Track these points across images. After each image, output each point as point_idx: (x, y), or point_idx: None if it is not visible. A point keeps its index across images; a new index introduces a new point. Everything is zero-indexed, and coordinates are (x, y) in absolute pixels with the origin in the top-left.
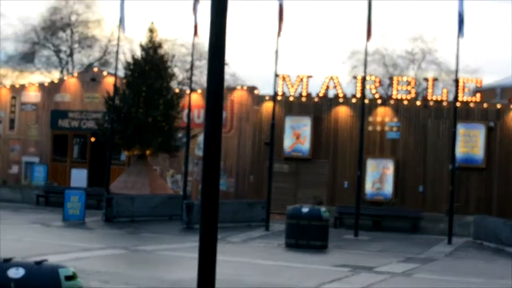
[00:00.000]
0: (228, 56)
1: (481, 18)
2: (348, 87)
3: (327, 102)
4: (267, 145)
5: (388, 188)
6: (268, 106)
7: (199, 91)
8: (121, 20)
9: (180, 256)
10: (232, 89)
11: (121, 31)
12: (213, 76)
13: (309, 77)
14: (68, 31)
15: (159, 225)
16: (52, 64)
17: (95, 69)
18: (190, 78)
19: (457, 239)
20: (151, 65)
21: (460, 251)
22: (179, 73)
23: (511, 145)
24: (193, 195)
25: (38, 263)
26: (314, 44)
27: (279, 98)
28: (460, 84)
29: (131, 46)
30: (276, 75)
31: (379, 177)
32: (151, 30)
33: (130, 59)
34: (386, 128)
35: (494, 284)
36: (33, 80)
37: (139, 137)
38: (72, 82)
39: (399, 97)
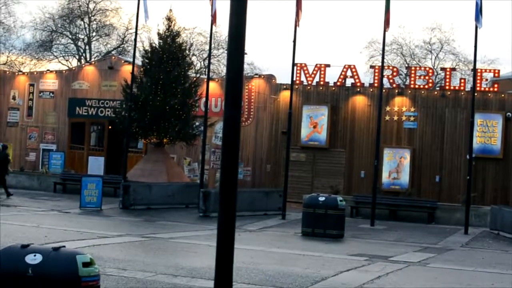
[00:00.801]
0: (247, 45)
1: (500, 7)
2: (365, 76)
3: (344, 91)
4: (284, 134)
5: (404, 177)
6: (285, 95)
7: (217, 79)
8: (144, 8)
9: (196, 244)
10: (250, 78)
11: (142, 19)
12: (233, 63)
13: (326, 66)
14: (86, 20)
15: (175, 213)
16: (69, 52)
17: (113, 58)
18: (207, 67)
19: (473, 229)
20: (169, 54)
21: (476, 241)
22: (197, 62)
23: None
24: (210, 183)
25: (56, 249)
26: (332, 34)
27: (296, 87)
28: (478, 74)
29: (149, 35)
30: (294, 64)
31: (396, 166)
32: (169, 19)
33: (148, 48)
34: (403, 118)
35: (510, 275)
36: (51, 68)
37: (156, 125)
38: (89, 70)
39: (416, 86)
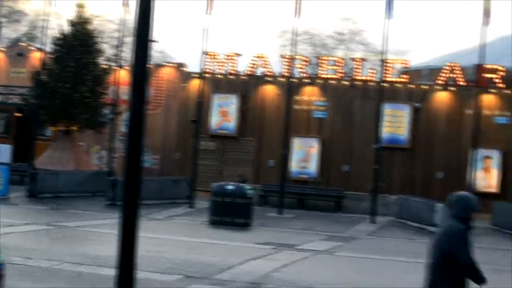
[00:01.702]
0: (158, 33)
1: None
2: (277, 66)
3: (255, 81)
4: (193, 123)
5: (313, 167)
6: (195, 83)
7: (127, 67)
8: None
9: (103, 233)
10: (160, 65)
11: (50, 5)
12: (138, 50)
13: (237, 55)
14: None
15: (83, 201)
16: None
17: (22, 44)
18: (118, 55)
19: (380, 218)
20: (79, 41)
21: (383, 230)
22: (108, 50)
23: (435, 126)
24: (118, 171)
25: None
26: (245, 23)
27: (206, 75)
28: (387, 64)
29: (59, 21)
30: (204, 53)
31: (305, 156)
32: (80, 6)
33: (58, 34)
34: (313, 107)
35: (415, 263)
36: None
37: (65, 112)
38: None
39: (326, 76)
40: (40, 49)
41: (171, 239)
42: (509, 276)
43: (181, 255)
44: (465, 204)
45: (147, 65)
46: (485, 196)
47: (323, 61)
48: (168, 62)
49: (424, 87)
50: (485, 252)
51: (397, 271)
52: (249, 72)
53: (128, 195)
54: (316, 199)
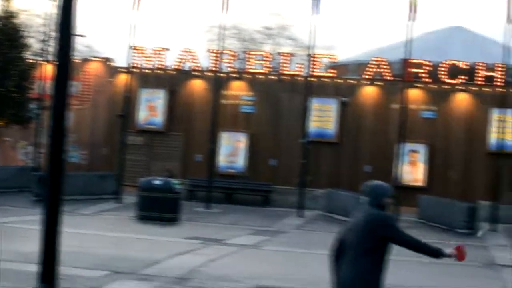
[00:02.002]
0: (85, 28)
1: None
2: (205, 61)
3: (182, 75)
4: (120, 118)
5: (240, 161)
6: (123, 78)
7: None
8: None
9: (29, 229)
10: (87, 60)
11: None
12: (62, 46)
13: (165, 50)
14: None
15: (9, 197)
16: None
17: None
18: (45, 49)
19: (308, 212)
20: (5, 35)
21: (310, 224)
22: (35, 44)
23: (362, 120)
24: (44, 167)
25: None
26: (173, 17)
27: (134, 70)
28: (315, 59)
29: None
30: (132, 48)
31: (232, 150)
32: (6, 0)
33: None
34: (241, 102)
35: None
36: None
37: None
38: None
39: (254, 71)
40: None
41: (98, 234)
42: (435, 268)
43: (108, 251)
44: (379, 192)
45: (70, 59)
46: (411, 190)
47: (251, 56)
48: (95, 57)
49: (351, 81)
50: None
51: (323, 264)
52: (177, 67)
53: (51, 190)
54: (244, 194)
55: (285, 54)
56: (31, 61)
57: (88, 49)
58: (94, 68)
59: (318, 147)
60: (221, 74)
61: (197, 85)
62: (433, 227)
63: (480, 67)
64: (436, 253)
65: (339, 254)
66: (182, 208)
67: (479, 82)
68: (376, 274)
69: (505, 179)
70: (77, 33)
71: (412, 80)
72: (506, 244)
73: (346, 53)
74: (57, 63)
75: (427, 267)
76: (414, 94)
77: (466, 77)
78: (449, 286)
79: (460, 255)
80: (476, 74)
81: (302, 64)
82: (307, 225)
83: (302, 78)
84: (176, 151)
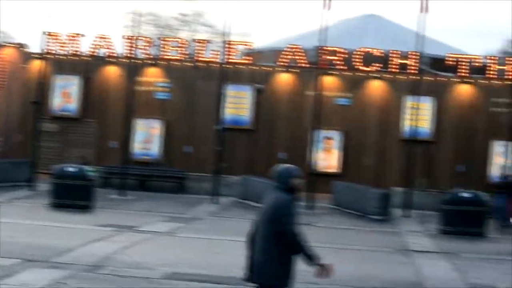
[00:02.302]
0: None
1: None
2: (120, 47)
3: (97, 62)
4: (34, 104)
5: (155, 148)
6: (37, 64)
7: None
8: None
9: None
10: (0, 46)
11: None
12: None
13: (80, 35)
14: None
15: None
16: None
17: None
18: None
19: (223, 199)
20: None
21: (225, 211)
22: None
23: (277, 107)
24: None
25: None
26: (88, 3)
27: (48, 56)
28: (230, 46)
29: None
30: (46, 33)
31: (147, 137)
32: None
33: None
34: (156, 89)
35: None
36: None
37: None
38: None
39: (169, 58)
40: None
41: (10, 222)
42: (348, 254)
43: (21, 239)
44: (285, 174)
45: None
46: (326, 176)
47: (166, 43)
48: (9, 43)
49: (267, 68)
50: (326, 231)
51: (237, 251)
52: (91, 53)
53: None
54: (159, 181)
55: (201, 41)
56: None
57: (1, 35)
58: (7, 54)
59: (233, 134)
60: (136, 61)
61: (112, 72)
62: (347, 213)
63: (394, 55)
64: (312, 259)
65: (254, 238)
66: (96, 195)
67: (393, 70)
68: (285, 258)
69: (418, 166)
70: None
71: (327, 67)
72: (418, 230)
73: (261, 40)
74: None
75: (339, 253)
76: (329, 81)
77: (381, 65)
78: (362, 271)
79: (326, 272)
80: (390, 62)
81: (218, 51)
82: (222, 212)
83: (217, 65)
84: (91, 138)
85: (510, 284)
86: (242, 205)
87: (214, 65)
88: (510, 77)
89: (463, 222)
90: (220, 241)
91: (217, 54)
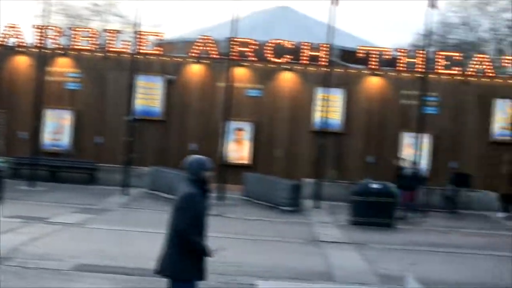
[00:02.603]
0: None
1: None
2: (30, 36)
3: (6, 51)
4: None
5: (65, 139)
6: None
7: None
8: None
9: None
10: None
11: None
12: None
13: None
14: None
15: None
16: None
17: None
18: None
19: (133, 190)
20: None
21: (136, 202)
22: None
23: (189, 99)
24: None
25: None
26: None
27: None
28: (141, 37)
29: None
30: None
31: (57, 127)
32: None
33: None
34: (66, 79)
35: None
36: None
37: None
38: None
39: (80, 48)
40: None
41: None
42: (259, 245)
43: None
44: (196, 166)
45: None
46: (237, 168)
47: (77, 32)
48: None
49: (178, 59)
50: (237, 222)
51: (147, 242)
52: (0, 43)
53: None
54: (69, 172)
55: (112, 31)
56: None
57: None
58: None
59: (144, 125)
60: (46, 51)
61: (22, 62)
62: (259, 205)
63: (305, 47)
64: (204, 253)
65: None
66: (6, 186)
67: (304, 62)
68: (185, 253)
69: (328, 157)
70: None
71: (238, 59)
72: (329, 221)
73: (173, 31)
74: None
75: (249, 244)
76: (240, 72)
77: (292, 57)
78: (272, 261)
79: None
80: (301, 54)
81: (129, 41)
82: (132, 203)
83: (128, 56)
84: (0, 128)
85: (417, 274)
86: (153, 196)
87: (125, 55)
88: (419, 70)
89: (372, 213)
90: (130, 232)
91: (128, 45)
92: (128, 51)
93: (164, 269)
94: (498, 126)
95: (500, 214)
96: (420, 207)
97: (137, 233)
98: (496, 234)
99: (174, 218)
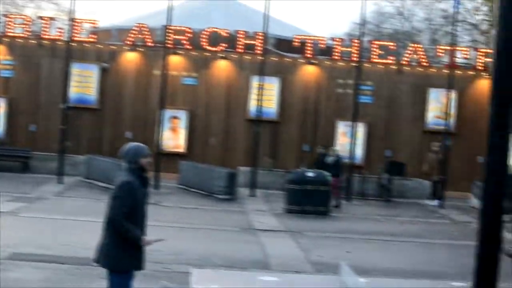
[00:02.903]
0: None
1: None
2: None
3: None
4: None
5: None
6: None
7: None
8: None
9: None
10: None
11: None
12: None
13: None
14: None
15: None
16: None
17: None
18: None
19: (68, 178)
20: None
21: (70, 190)
22: None
23: (124, 87)
24: None
25: None
26: None
27: None
28: (76, 24)
29: None
30: None
31: None
32: None
33: None
34: (0, 66)
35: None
36: None
37: None
38: None
39: (13, 35)
40: None
41: None
42: (194, 233)
43: None
44: (133, 154)
45: None
46: (172, 156)
47: (10, 19)
48: None
49: (113, 47)
50: (172, 210)
51: (82, 231)
52: None
53: None
54: (3, 160)
55: (46, 18)
56: None
57: None
58: None
59: (79, 112)
60: None
61: None
62: (194, 193)
63: (240, 35)
64: (137, 241)
65: None
66: None
67: (240, 50)
68: (121, 243)
69: (263, 145)
70: None
71: (173, 47)
72: (264, 209)
73: (108, 19)
74: None
75: (184, 232)
76: (176, 60)
77: (227, 45)
78: (207, 250)
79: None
80: (237, 42)
81: (63, 28)
82: (67, 191)
83: (62, 43)
84: None
85: (352, 262)
86: (87, 184)
87: (60, 43)
88: (354, 59)
89: (307, 201)
90: (65, 221)
91: (63, 32)
92: (63, 38)
93: (100, 259)
94: (432, 115)
95: (433, 202)
96: (344, 195)
97: (72, 222)
98: (429, 222)
99: (110, 207)
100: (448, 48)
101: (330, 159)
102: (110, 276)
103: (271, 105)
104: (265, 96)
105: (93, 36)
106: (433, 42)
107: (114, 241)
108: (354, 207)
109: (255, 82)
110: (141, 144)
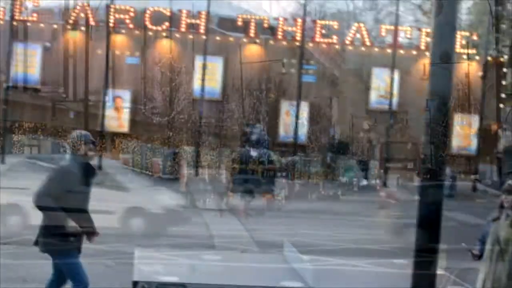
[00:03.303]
0: None
1: None
2: None
3: None
4: None
5: None
6: None
7: None
8: None
9: None
10: None
11: None
12: None
13: None
14: None
15: None
16: None
17: None
18: None
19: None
20: None
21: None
22: None
23: (67, 66)
24: None
25: None
26: None
27: None
28: (17, 2)
29: None
30: None
31: None
32: None
33: None
34: None
35: None
36: None
37: None
38: None
39: None
40: None
41: None
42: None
43: None
44: (77, 140)
45: None
46: (117, 136)
47: None
48: None
49: (55, 26)
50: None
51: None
52: None
53: None
54: None
55: None
56: None
57: None
58: None
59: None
60: None
61: None
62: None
63: (184, 14)
64: (61, 223)
65: None
66: None
67: (183, 29)
68: (57, 228)
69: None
70: None
71: (116, 26)
72: (209, 189)
73: None
74: None
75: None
76: (119, 40)
77: (170, 24)
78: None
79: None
80: (180, 21)
81: (5, 7)
82: (9, 172)
83: (4, 22)
84: None
85: (294, 240)
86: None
87: (1, 22)
88: (298, 38)
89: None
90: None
91: (5, 12)
92: (5, 18)
93: (39, 244)
94: (375, 94)
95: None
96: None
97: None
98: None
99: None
100: (392, 28)
101: (254, 136)
102: (53, 261)
103: (214, 84)
104: (208, 76)
105: (35, 15)
106: (377, 22)
107: (50, 226)
108: (296, 186)
109: (198, 61)
110: (85, 131)
